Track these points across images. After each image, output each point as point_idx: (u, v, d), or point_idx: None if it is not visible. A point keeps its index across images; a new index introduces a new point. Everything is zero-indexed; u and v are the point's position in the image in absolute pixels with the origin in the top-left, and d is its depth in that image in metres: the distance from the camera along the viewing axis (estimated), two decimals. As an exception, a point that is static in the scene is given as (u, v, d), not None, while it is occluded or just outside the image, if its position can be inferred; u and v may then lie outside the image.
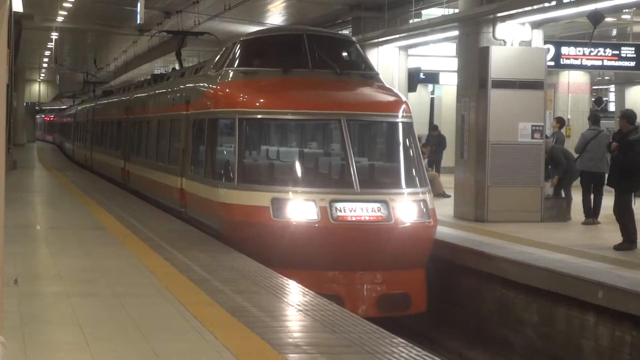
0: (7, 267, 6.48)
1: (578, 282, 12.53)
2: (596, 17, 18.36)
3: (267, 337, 7.78)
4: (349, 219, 13.44)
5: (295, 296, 9.92)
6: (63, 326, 8.31)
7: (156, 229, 15.41)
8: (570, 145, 22.29)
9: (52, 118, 76.46)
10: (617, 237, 15.26)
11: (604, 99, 46.35)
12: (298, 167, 14.81)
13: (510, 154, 18.80)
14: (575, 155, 19.42)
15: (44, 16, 36.44)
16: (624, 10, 24.92)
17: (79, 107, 45.17)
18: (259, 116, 14.84)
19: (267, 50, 16.04)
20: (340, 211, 13.45)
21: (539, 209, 18.87)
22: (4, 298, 5.79)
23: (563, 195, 20.00)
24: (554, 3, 19.12)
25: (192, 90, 17.65)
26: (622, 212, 15.24)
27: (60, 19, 36.94)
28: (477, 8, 20.09)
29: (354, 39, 18.58)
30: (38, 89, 79.99)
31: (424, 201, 14.07)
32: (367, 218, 13.52)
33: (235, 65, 15.82)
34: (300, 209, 13.50)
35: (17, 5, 27.78)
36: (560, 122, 22.86)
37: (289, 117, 14.98)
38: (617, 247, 14.94)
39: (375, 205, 13.60)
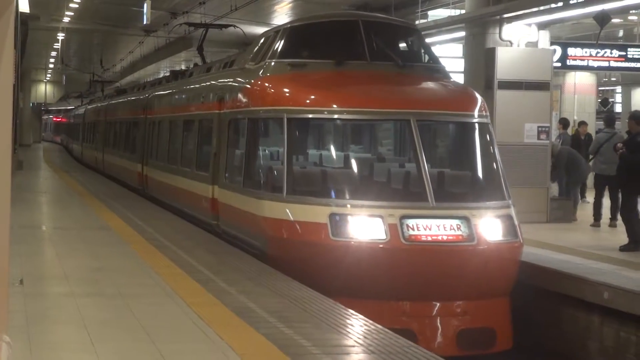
0: (13, 267, 6.50)
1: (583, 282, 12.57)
2: (603, 18, 18.42)
3: (273, 338, 7.78)
4: (423, 238, 11.31)
5: (299, 297, 9.90)
6: (69, 326, 8.32)
7: (162, 229, 15.37)
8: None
9: (61, 118, 76.17)
10: (623, 238, 15.27)
11: (610, 100, 46.27)
12: (360, 176, 12.89)
13: (516, 155, 18.81)
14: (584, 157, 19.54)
15: (51, 17, 36.53)
16: (631, 12, 24.89)
17: (89, 107, 44.11)
18: (313, 115, 12.73)
19: (316, 39, 13.97)
20: (413, 229, 11.32)
21: (545, 210, 18.90)
22: (9, 298, 5.80)
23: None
24: (560, 4, 19.15)
25: (227, 86, 15.54)
26: (629, 213, 15.26)
27: (66, 19, 37.04)
28: (483, 9, 20.14)
29: (416, 26, 16.89)
30: (44, 90, 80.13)
31: (510, 216, 12.01)
32: (444, 238, 11.38)
33: (280, 56, 13.80)
34: (364, 226, 11.40)
35: (24, 6, 27.86)
36: (564, 123, 22.94)
37: (348, 117, 12.75)
38: (623, 248, 14.95)
39: (455, 222, 11.48)
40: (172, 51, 40.67)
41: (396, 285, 11.25)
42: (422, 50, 14.44)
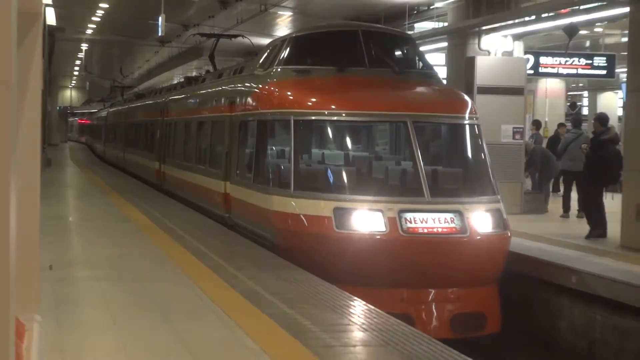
0: (42, 255, 6.51)
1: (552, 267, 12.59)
2: (571, 30, 18.45)
3: (276, 317, 7.79)
4: (420, 230, 11.09)
5: (300, 281, 9.90)
6: (93, 307, 8.33)
7: (177, 221, 15.35)
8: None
9: (85, 120, 75.82)
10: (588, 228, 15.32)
11: (578, 103, 46.26)
12: (362, 173, 12.63)
13: (494, 153, 18.76)
14: (554, 154, 19.60)
15: (75, 29, 36.54)
16: (597, 24, 24.91)
17: (110, 110, 43.49)
18: (317, 117, 12.47)
19: (320, 47, 13.75)
20: (410, 222, 11.09)
21: (519, 202, 18.91)
22: (40, 282, 5.81)
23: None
24: (533, 17, 19.18)
25: (237, 91, 15.30)
26: (591, 205, 15.34)
27: (89, 31, 37.08)
28: (464, 22, 20.17)
29: (411, 35, 16.65)
30: (70, 95, 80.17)
31: (499, 210, 11.81)
32: (439, 230, 11.17)
33: (286, 63, 13.58)
34: (366, 219, 11.16)
35: (51, 19, 27.81)
36: (537, 124, 23.00)
37: (350, 119, 12.44)
38: (588, 236, 15.00)
39: (448, 216, 11.26)
40: (185, 60, 40.64)
41: (395, 274, 11.02)
42: (417, 58, 14.23)
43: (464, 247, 11.26)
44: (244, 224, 13.78)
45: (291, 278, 9.95)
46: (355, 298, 8.90)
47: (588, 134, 18.60)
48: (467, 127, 12.70)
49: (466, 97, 13.33)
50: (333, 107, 12.30)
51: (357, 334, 7.39)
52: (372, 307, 8.50)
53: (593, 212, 15.20)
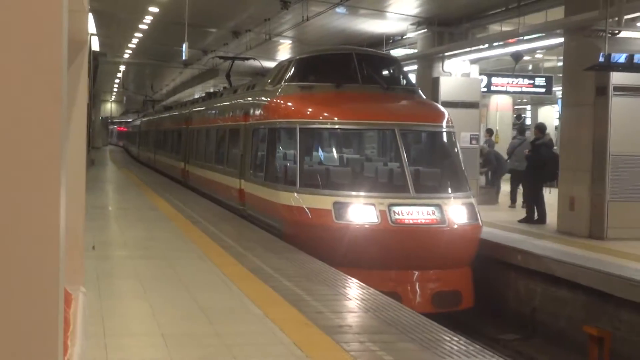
0: (87, 237, 6.50)
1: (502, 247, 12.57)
2: (517, 56, 18.48)
3: (277, 289, 7.79)
4: (406, 221, 10.92)
5: (298, 260, 9.90)
6: (128, 280, 8.32)
7: (196, 209, 15.36)
8: (499, 148, 22.37)
9: (123, 128, 75.52)
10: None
11: (523, 115, 46.33)
12: (357, 172, 12.50)
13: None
14: (505, 157, 19.68)
15: (115, 54, 36.41)
16: (537, 51, 24.93)
17: (143, 119, 43.08)
18: (318, 126, 12.28)
19: (320, 67, 13.51)
20: (398, 214, 10.91)
21: (475, 195, 18.87)
22: (85, 259, 5.79)
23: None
24: (486, 46, 19.18)
25: (251, 104, 15.03)
26: (531, 196, 15.58)
27: (126, 55, 36.91)
28: (430, 49, 20.15)
29: (396, 57, 16.45)
30: (110, 107, 79.90)
31: (472, 204, 11.62)
32: (422, 221, 10.98)
33: (292, 80, 13.37)
34: (361, 212, 10.97)
35: (95, 46, 27.75)
36: (489, 132, 23.03)
37: (346, 127, 12.24)
38: (521, 221, 15.28)
39: (430, 209, 11.08)
40: (203, 79, 40.49)
41: (385, 258, 10.86)
42: (402, 76, 13.94)
43: (443, 235, 11.06)
44: (256, 214, 13.54)
45: (291, 258, 9.94)
46: (342, 274, 8.88)
47: (530, 140, 18.66)
48: (445, 134, 12.49)
49: (443, 109, 13.07)
50: (332, 117, 12.09)
51: (343, 303, 7.39)
52: (356, 281, 8.50)
53: (532, 203, 15.46)
